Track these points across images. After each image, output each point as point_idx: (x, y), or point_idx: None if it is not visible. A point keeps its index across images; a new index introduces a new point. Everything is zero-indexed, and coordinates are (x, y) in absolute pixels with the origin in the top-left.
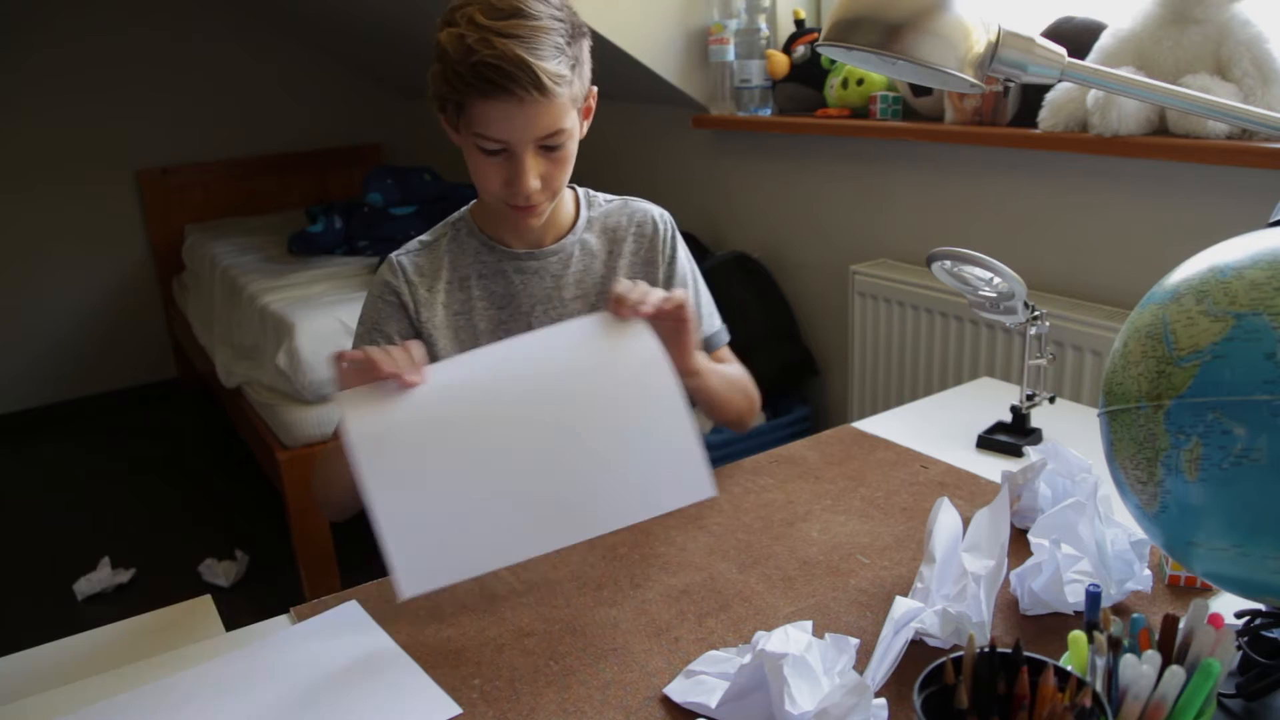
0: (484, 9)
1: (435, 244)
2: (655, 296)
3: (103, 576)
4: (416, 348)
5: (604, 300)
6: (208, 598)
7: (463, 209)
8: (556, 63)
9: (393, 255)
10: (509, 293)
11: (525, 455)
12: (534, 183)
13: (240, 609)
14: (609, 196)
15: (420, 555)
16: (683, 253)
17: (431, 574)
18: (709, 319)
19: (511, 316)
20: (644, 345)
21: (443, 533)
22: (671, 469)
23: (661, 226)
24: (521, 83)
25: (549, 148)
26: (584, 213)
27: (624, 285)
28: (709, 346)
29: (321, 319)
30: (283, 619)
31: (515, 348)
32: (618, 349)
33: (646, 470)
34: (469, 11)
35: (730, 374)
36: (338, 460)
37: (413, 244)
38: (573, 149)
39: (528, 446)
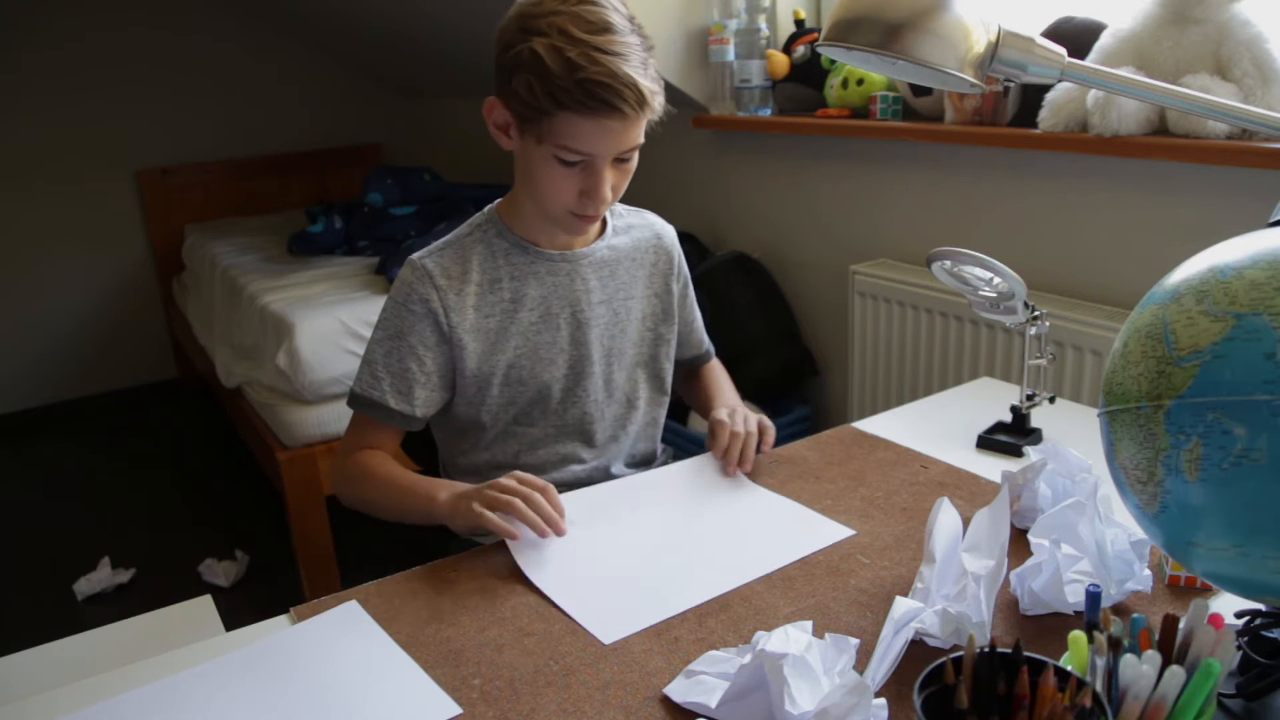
0: (574, 21)
1: (459, 244)
2: (750, 451)
3: (103, 576)
4: (553, 492)
5: (628, 308)
6: (208, 598)
7: (486, 209)
8: (650, 79)
9: (415, 258)
10: (541, 295)
11: (668, 544)
12: (609, 193)
13: (240, 609)
14: (624, 206)
15: (604, 614)
16: (685, 269)
17: (621, 625)
18: (701, 338)
19: (542, 319)
20: (746, 490)
21: (614, 598)
22: (802, 527)
23: (676, 245)
24: (629, 100)
25: (622, 159)
26: (610, 220)
27: (721, 444)
28: (702, 361)
29: (321, 319)
30: (283, 619)
31: (631, 486)
32: (723, 492)
33: (780, 533)
34: (557, 22)
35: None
36: (382, 492)
37: (434, 245)
38: (636, 158)
39: (668, 540)
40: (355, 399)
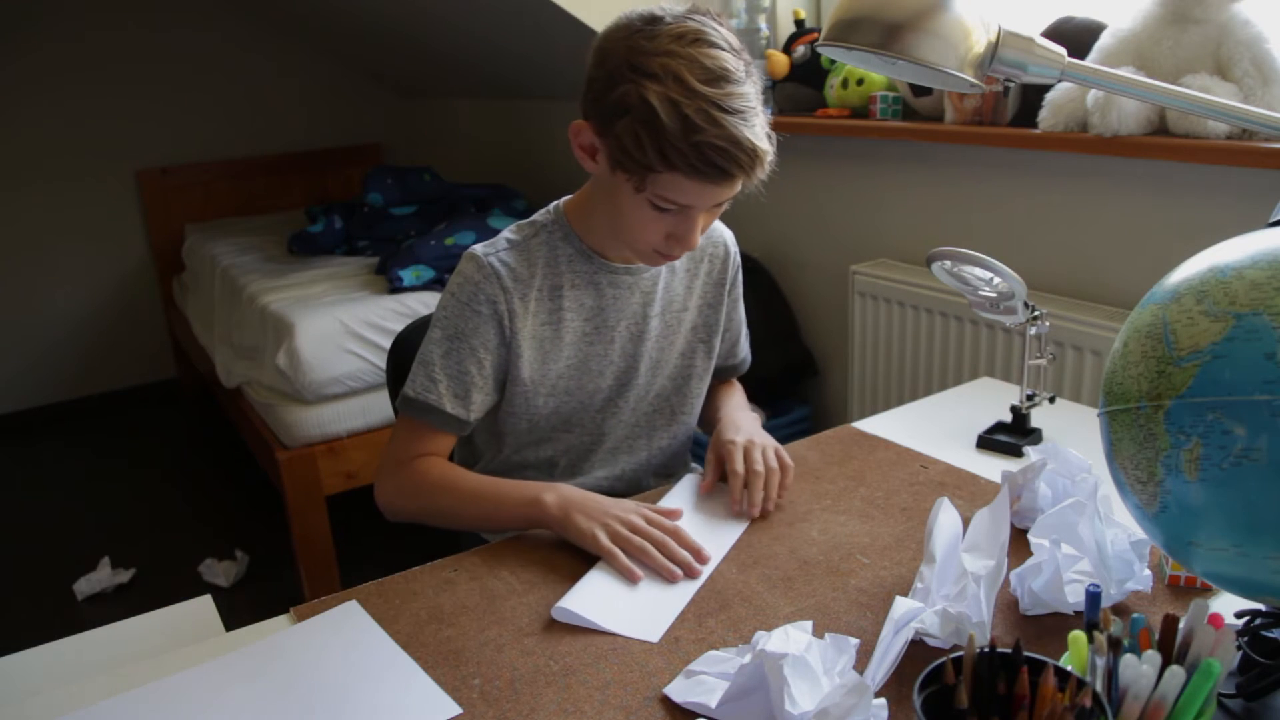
0: (690, 67)
1: (525, 245)
2: (772, 491)
3: (103, 576)
4: (684, 534)
5: (681, 319)
6: (208, 598)
7: (550, 208)
8: (764, 138)
9: (480, 254)
10: (598, 306)
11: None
12: (698, 239)
13: (240, 609)
14: None
15: (634, 620)
16: (741, 279)
17: (657, 624)
18: (741, 346)
19: (596, 330)
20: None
21: (636, 603)
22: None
23: (733, 251)
24: (744, 166)
25: (717, 204)
26: None
27: (738, 481)
28: (733, 372)
29: (321, 319)
30: (283, 619)
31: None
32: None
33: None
34: (673, 67)
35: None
36: (460, 500)
37: (497, 242)
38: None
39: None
40: (410, 403)
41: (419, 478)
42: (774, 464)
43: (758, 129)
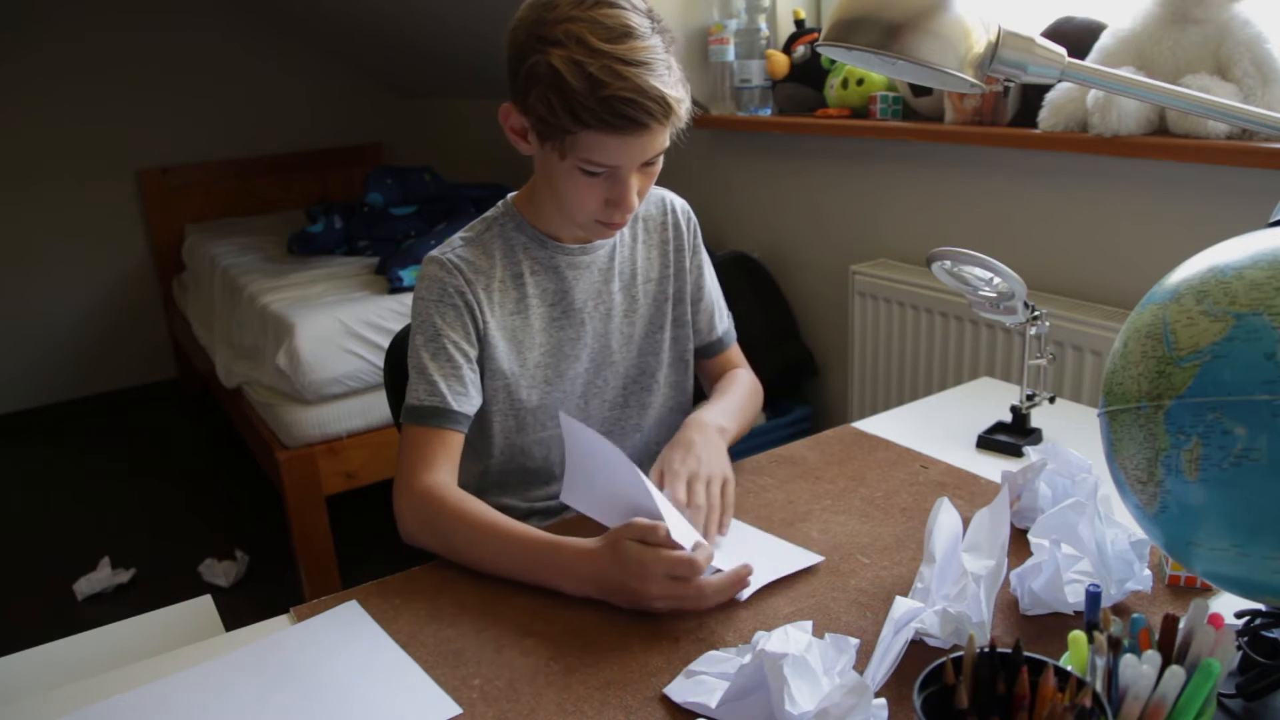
0: (591, 28)
1: (479, 240)
2: (713, 524)
3: (103, 576)
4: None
5: (645, 290)
6: (208, 598)
7: (501, 203)
8: (675, 86)
9: (438, 255)
10: (561, 289)
11: None
12: (635, 201)
13: (240, 609)
14: None
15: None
16: (701, 243)
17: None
18: (721, 317)
19: (564, 314)
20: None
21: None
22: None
23: (686, 217)
24: (655, 115)
25: (648, 163)
26: None
27: (680, 499)
28: (720, 346)
29: (321, 319)
30: (283, 619)
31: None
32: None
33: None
34: (575, 30)
35: (745, 403)
36: (486, 549)
37: (452, 241)
38: (662, 159)
39: None
40: (416, 412)
41: (435, 506)
42: (715, 500)
43: (666, 79)
